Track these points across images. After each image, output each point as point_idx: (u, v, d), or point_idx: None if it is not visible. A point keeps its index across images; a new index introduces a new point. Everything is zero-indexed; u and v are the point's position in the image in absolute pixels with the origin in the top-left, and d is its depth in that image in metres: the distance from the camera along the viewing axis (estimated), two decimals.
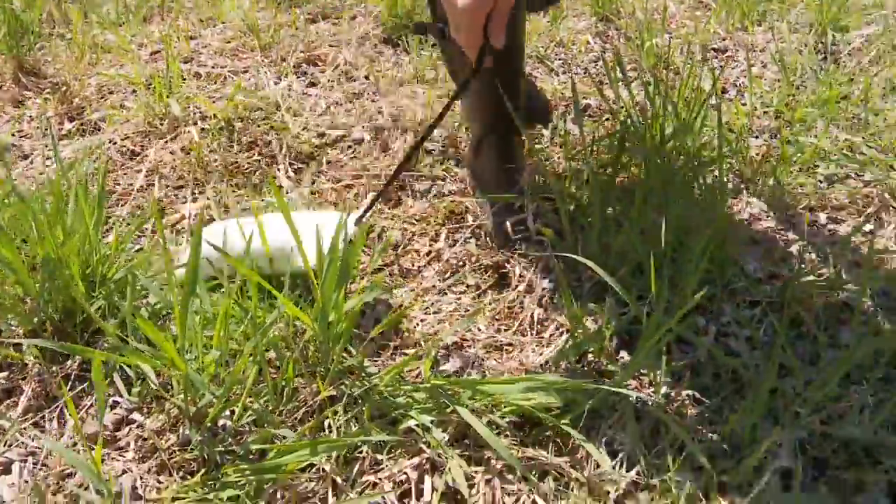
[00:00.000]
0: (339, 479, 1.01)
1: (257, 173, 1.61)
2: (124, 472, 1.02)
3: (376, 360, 1.18)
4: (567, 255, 1.24)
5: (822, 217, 1.52)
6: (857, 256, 1.40)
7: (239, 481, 0.99)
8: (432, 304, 1.29)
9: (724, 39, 2.29)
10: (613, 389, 1.06)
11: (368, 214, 1.30)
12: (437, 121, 1.21)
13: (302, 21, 2.23)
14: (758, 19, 2.41)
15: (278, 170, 1.62)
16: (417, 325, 1.25)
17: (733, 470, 1.01)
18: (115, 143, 1.70)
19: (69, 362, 1.16)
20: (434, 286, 1.33)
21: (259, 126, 1.74)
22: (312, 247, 1.13)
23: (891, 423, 1.09)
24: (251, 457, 1.02)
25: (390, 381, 1.09)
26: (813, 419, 1.09)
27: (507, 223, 1.38)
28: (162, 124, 1.72)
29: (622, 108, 1.54)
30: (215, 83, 1.92)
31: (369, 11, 2.32)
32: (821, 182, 1.63)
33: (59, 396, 1.12)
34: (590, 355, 1.17)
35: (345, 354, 1.13)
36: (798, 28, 2.31)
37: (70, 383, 1.14)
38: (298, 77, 1.98)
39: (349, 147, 1.72)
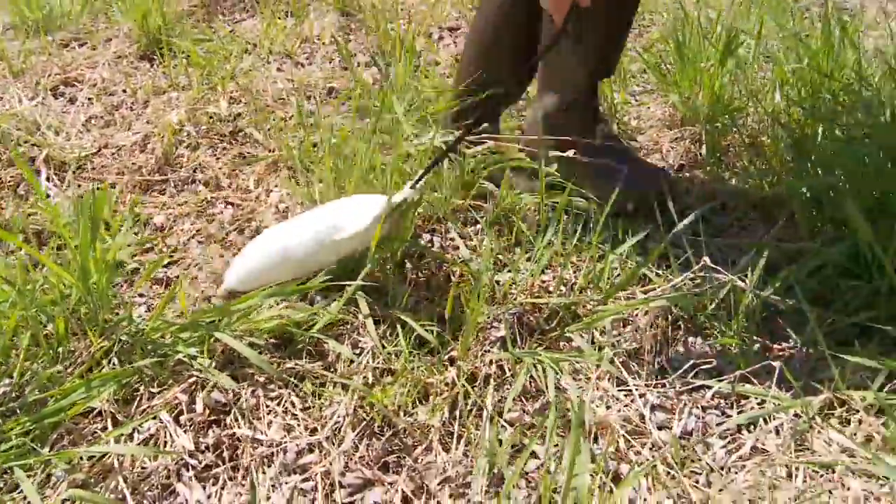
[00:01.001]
0: (119, 417, 1.12)
1: (21, 185, 1.69)
2: None
3: (151, 311, 1.31)
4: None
5: None
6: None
7: (23, 432, 1.08)
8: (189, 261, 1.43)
9: (457, 19, 2.54)
10: (361, 283, 1.24)
11: (423, 180, 1.33)
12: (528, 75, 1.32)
13: (55, 46, 2.30)
14: None
15: (43, 178, 1.70)
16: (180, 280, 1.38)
17: (460, 345, 1.21)
18: None
19: None
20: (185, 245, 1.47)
21: (20, 145, 1.81)
22: (356, 226, 1.26)
23: (584, 289, 1.32)
24: (34, 411, 1.12)
25: (156, 325, 1.21)
26: (525, 298, 1.30)
27: None
28: None
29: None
30: None
31: (124, 33, 2.41)
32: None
33: None
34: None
35: (117, 311, 1.25)
36: None
37: None
38: (57, 98, 2.05)
39: (112, 154, 1.82)
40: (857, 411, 1.15)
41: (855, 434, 1.13)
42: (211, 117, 1.91)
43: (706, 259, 1.33)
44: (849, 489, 1.05)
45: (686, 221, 1.33)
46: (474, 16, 1.63)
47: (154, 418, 1.11)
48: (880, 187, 1.35)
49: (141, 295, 1.36)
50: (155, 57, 2.27)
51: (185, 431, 1.10)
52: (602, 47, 1.49)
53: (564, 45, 1.48)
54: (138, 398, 1.15)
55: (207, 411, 1.13)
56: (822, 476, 1.07)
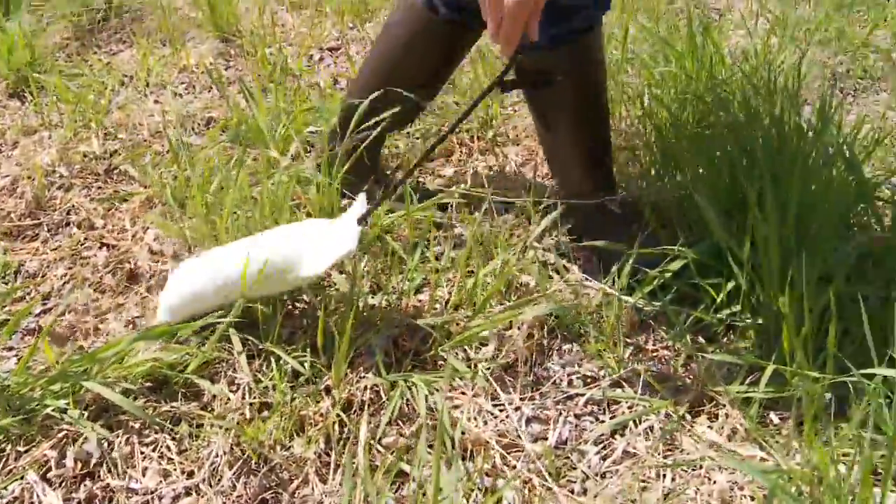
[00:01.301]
0: None
1: None
2: None
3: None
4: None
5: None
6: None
7: None
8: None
9: (338, 39, 2.54)
10: (234, 319, 1.22)
11: (370, 217, 1.28)
12: (465, 115, 1.26)
13: None
14: (367, 18, 2.69)
15: None
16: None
17: (333, 373, 1.21)
18: None
19: None
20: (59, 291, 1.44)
21: None
22: (317, 255, 1.20)
23: (458, 306, 1.34)
24: None
25: (22, 379, 1.18)
26: (402, 319, 1.32)
27: None
28: None
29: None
30: None
31: None
32: (417, 139, 1.90)
33: None
34: None
35: None
36: None
37: None
38: None
39: None
40: (724, 406, 1.20)
41: (722, 428, 1.17)
42: (85, 156, 1.87)
43: (575, 267, 1.37)
44: (715, 483, 1.09)
45: (543, 225, 1.35)
46: (383, 29, 1.59)
47: (21, 478, 1.08)
48: (738, 185, 1.41)
49: (10, 348, 1.33)
50: (25, 95, 2.22)
51: (53, 489, 1.08)
52: (579, 133, 1.53)
53: (543, 139, 1.57)
54: (4, 459, 1.12)
55: (79, 465, 1.10)
56: (690, 473, 1.11)
